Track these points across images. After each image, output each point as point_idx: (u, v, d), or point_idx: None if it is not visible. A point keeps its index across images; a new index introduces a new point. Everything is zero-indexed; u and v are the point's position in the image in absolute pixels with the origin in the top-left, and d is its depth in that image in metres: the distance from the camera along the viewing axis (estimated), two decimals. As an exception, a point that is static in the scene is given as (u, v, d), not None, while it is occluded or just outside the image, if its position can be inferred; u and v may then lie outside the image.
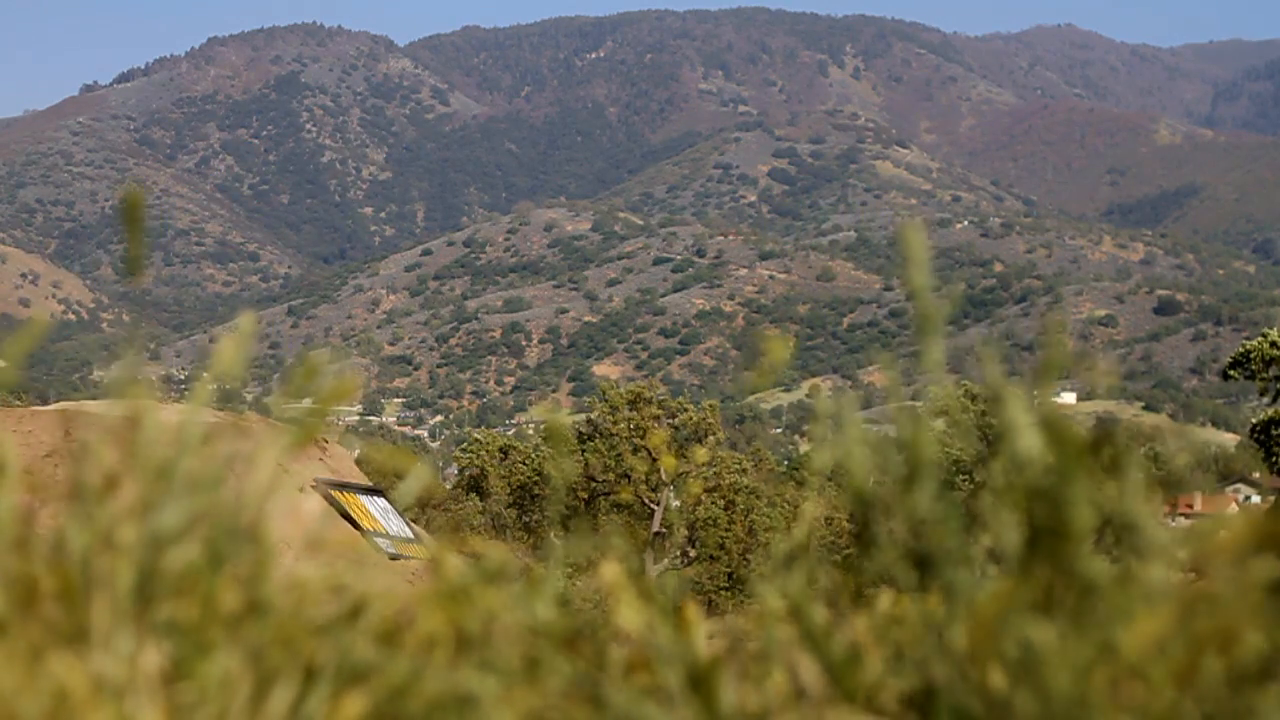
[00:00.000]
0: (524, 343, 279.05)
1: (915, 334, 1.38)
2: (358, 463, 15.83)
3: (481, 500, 40.65)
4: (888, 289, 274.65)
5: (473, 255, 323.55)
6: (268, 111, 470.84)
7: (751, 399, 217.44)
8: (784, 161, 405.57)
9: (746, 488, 37.21)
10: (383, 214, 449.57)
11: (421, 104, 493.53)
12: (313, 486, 12.97)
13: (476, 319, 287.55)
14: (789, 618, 1.30)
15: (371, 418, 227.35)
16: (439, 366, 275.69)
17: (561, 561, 1.42)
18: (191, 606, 1.25)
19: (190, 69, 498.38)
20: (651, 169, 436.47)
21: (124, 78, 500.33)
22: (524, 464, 40.43)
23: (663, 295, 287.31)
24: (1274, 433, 29.28)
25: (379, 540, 13.05)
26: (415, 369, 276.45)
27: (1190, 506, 31.28)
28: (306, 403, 1.41)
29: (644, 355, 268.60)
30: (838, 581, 1.35)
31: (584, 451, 37.34)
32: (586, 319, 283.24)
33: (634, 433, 37.20)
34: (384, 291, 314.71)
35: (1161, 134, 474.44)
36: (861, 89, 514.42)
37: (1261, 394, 30.36)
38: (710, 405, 39.47)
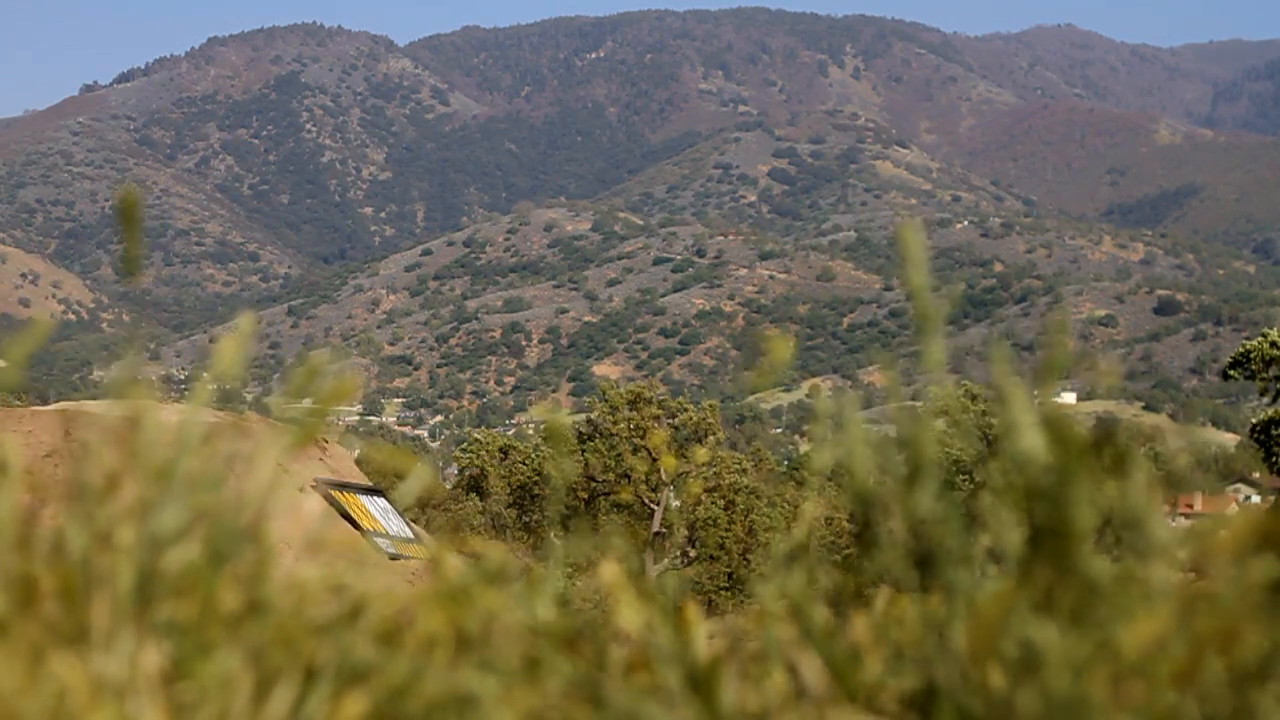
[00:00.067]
0: (524, 343, 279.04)
1: (915, 334, 1.38)
2: (358, 463, 15.82)
3: (481, 500, 40.65)
4: (888, 289, 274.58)
5: (473, 255, 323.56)
6: (268, 111, 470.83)
7: (751, 399, 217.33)
8: (784, 161, 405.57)
9: (746, 488, 37.21)
10: (383, 214, 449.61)
11: (421, 104, 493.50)
12: (313, 486, 12.96)
13: (476, 319, 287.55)
14: (789, 618, 1.30)
15: (371, 418, 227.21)
16: (439, 366, 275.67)
17: (561, 561, 1.42)
18: (192, 606, 1.25)
19: (190, 69, 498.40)
20: (651, 169, 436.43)
21: (124, 78, 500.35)
22: (524, 464, 40.43)
23: (663, 295, 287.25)
24: (1274, 433, 29.27)
25: (379, 540, 13.04)
26: (415, 369, 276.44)
27: (1190, 506, 31.29)
28: (306, 403, 1.41)
29: (644, 355, 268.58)
30: (838, 581, 1.35)
31: (584, 451, 37.34)
32: (586, 319, 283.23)
33: (634, 433, 37.20)
34: (384, 291, 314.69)
35: (1161, 134, 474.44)
36: (861, 89, 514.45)
37: (1261, 394, 30.35)
38: (710, 405, 39.47)
